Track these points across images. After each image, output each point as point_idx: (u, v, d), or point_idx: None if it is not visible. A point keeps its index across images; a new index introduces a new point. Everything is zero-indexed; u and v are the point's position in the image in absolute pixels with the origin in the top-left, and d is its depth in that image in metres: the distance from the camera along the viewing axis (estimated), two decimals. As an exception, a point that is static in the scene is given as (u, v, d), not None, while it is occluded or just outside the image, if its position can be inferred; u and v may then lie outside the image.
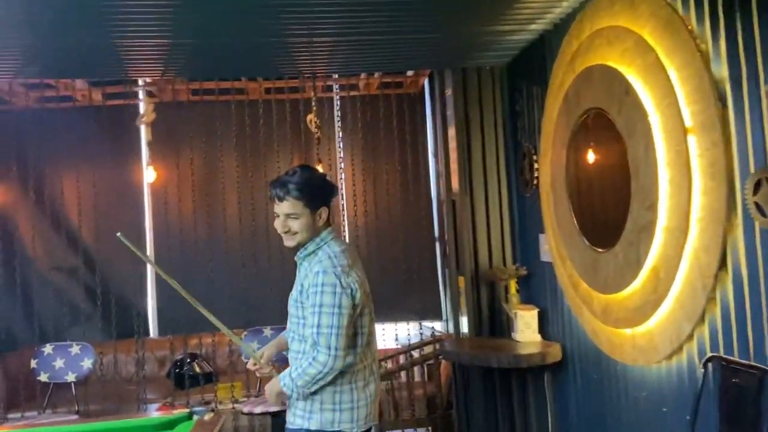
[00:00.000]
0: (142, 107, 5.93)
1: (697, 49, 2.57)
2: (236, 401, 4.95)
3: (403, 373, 5.01)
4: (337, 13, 3.51)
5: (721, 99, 2.50)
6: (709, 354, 2.64)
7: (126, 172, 5.97)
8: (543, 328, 4.39)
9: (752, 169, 2.40)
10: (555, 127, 3.80)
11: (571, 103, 3.53)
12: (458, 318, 5.00)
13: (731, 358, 2.52)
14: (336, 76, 6.14)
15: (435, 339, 5.32)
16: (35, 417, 4.55)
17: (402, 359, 5.60)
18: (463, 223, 4.91)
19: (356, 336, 2.56)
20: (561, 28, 3.82)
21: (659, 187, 2.78)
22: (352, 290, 2.50)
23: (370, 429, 2.65)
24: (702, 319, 2.68)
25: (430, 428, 4.90)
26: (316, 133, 5.80)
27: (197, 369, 5.80)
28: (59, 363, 4.51)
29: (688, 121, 2.64)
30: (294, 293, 2.66)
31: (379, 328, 5.43)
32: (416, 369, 5.39)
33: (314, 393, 2.54)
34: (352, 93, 5.82)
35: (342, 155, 5.99)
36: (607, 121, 3.13)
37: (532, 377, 4.36)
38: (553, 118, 3.84)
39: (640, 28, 2.88)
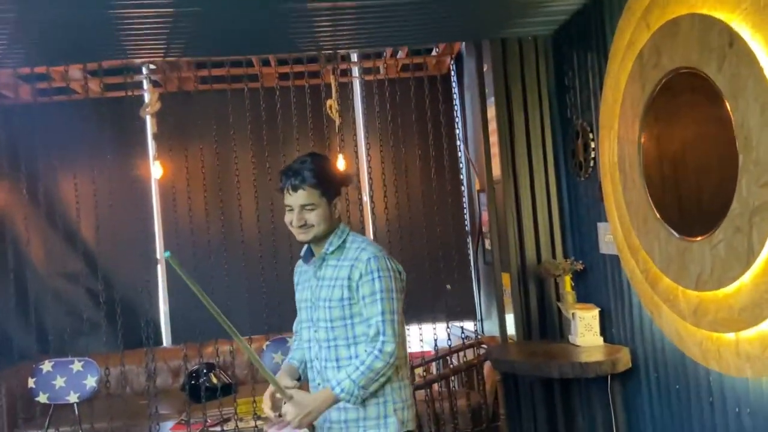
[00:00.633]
0: (147, 97, 5.45)
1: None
2: (258, 418, 4.44)
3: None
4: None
5: None
6: None
7: (131, 168, 5.47)
8: (604, 330, 3.86)
9: None
10: (622, 98, 3.26)
11: (646, 66, 2.99)
12: (503, 319, 4.47)
13: None
14: (355, 58, 5.67)
15: (477, 342, 4.80)
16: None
17: (434, 365, 5.09)
18: (507, 213, 4.38)
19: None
20: (625, -18, 3.28)
21: (779, 159, 2.24)
22: (401, 274, 2.41)
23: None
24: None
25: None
26: (339, 120, 5.29)
27: (214, 380, 5.32)
28: (60, 382, 4.02)
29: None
30: (327, 294, 2.38)
31: (413, 329, 5.00)
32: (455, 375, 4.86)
33: (380, 394, 2.33)
34: (374, 77, 5.28)
35: (365, 143, 5.49)
36: (701, 81, 2.58)
37: (595, 387, 3.83)
38: (618, 87, 3.30)
39: (745, -35, 2.35)
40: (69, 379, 3.81)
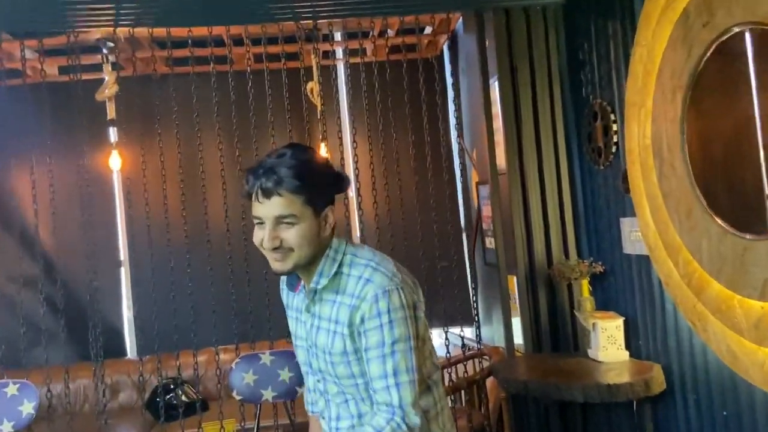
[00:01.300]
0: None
1: None
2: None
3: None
4: None
5: None
6: None
7: (90, 160, 4.85)
8: (629, 343, 3.33)
9: None
10: (658, 69, 2.73)
11: (693, 27, 2.46)
12: (510, 328, 3.94)
13: None
14: (339, 38, 5.11)
15: (479, 353, 4.26)
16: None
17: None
18: (513, 207, 3.85)
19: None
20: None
21: None
22: (415, 305, 1.77)
23: None
24: None
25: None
26: (321, 105, 4.73)
27: (183, 398, 4.76)
28: (-10, 408, 3.41)
29: None
30: (325, 342, 1.75)
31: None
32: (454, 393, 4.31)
33: None
34: (361, 59, 4.71)
35: (349, 132, 4.92)
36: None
37: (620, 409, 3.31)
38: (652, 57, 2.77)
39: None
40: (1, 405, 3.23)
